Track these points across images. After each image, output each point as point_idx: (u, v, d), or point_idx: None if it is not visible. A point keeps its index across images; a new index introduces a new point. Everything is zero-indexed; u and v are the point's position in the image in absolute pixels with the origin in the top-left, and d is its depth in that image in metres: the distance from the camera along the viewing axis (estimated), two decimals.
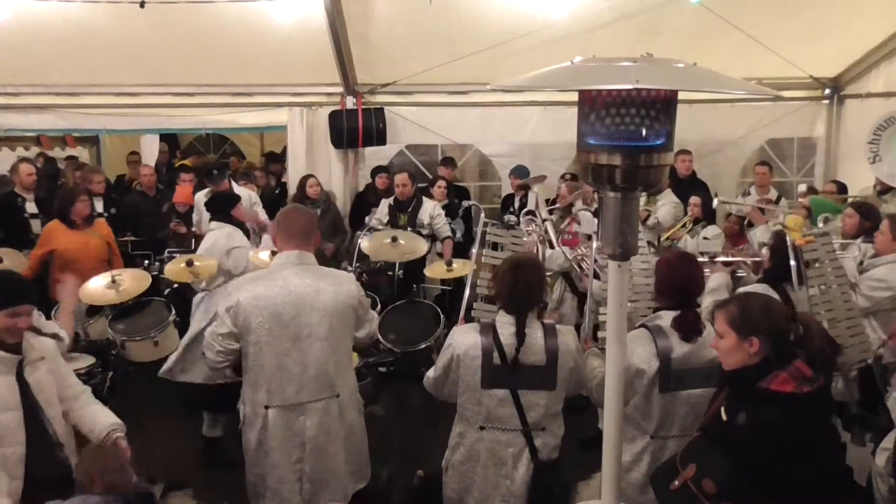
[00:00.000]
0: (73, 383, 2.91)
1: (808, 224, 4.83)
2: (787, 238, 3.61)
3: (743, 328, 2.20)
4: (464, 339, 2.82)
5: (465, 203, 6.37)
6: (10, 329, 2.62)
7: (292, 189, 7.33)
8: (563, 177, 6.99)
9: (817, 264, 3.57)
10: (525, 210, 5.19)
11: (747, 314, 2.22)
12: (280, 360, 2.95)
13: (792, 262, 3.53)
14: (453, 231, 6.63)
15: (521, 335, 2.74)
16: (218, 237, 4.63)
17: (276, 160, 9.46)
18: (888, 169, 6.20)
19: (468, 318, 3.65)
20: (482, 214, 4.35)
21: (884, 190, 6.27)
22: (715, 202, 5.90)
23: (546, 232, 4.98)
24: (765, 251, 4.08)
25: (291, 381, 2.97)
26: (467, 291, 4.05)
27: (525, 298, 2.80)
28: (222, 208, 4.82)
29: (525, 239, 4.84)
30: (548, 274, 5.01)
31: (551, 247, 4.90)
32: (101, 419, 2.85)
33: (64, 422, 2.79)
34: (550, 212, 5.45)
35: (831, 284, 3.55)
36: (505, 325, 2.79)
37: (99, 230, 5.50)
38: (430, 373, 2.98)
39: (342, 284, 3.10)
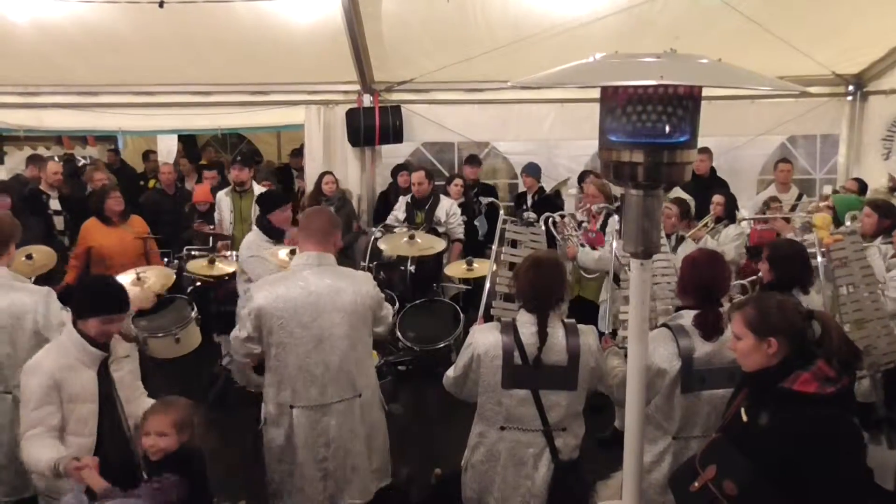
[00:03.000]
0: (139, 384, 3.05)
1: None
2: (814, 236, 3.54)
3: (761, 329, 2.17)
4: (484, 339, 2.80)
5: (485, 200, 6.33)
6: (103, 333, 2.77)
7: (309, 186, 7.37)
8: (584, 175, 6.96)
9: (845, 263, 3.50)
10: (560, 213, 5.13)
11: (765, 315, 2.19)
12: (302, 361, 2.97)
13: (820, 259, 3.46)
14: (476, 229, 6.61)
15: (543, 334, 2.72)
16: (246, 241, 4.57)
17: (298, 155, 9.61)
18: None
19: (487, 317, 3.64)
20: (501, 212, 4.32)
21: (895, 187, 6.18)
22: (739, 220, 5.79)
23: (583, 233, 4.96)
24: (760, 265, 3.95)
25: (315, 382, 2.99)
26: (486, 290, 4.03)
27: (546, 297, 2.77)
28: (263, 207, 4.62)
29: (572, 242, 4.81)
30: (594, 275, 4.98)
31: (592, 248, 4.87)
32: None
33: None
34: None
35: (859, 284, 3.48)
36: (526, 324, 2.77)
37: (133, 226, 5.58)
38: (450, 372, 2.96)
39: (360, 285, 3.11)
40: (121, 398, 2.84)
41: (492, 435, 2.85)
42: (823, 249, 3.49)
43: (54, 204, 6.23)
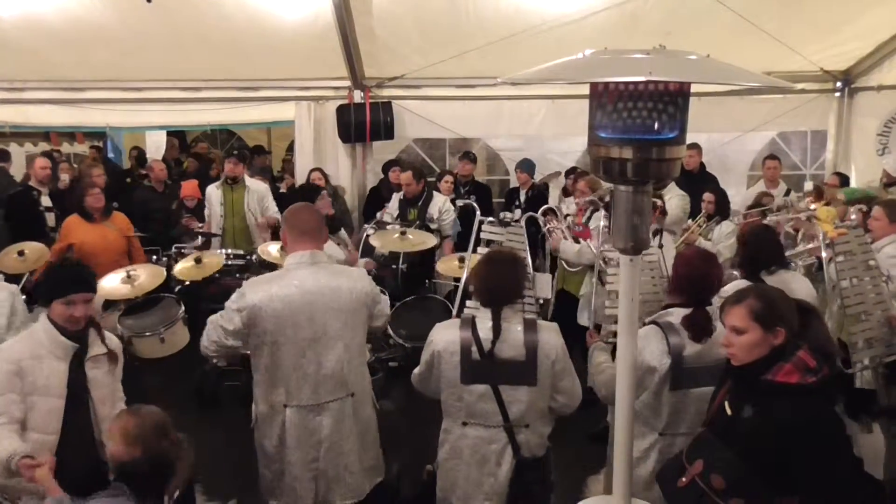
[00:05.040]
0: (118, 387, 2.94)
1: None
2: (818, 230, 3.56)
3: (769, 320, 2.14)
4: (443, 335, 2.81)
5: (459, 202, 6.28)
6: (67, 318, 2.67)
7: (300, 182, 7.35)
8: (570, 172, 6.97)
9: (850, 257, 3.52)
10: (545, 207, 5.13)
11: (773, 306, 2.17)
12: (297, 361, 2.94)
13: (824, 252, 3.47)
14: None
15: (496, 328, 2.71)
16: None
17: (261, 153, 9.69)
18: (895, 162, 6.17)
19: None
20: (478, 212, 4.31)
21: (890, 182, 6.22)
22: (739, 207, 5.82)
23: (568, 227, 4.96)
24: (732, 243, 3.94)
25: (307, 381, 2.97)
26: (461, 289, 4.03)
27: (499, 291, 2.77)
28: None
29: (556, 234, 4.81)
30: (577, 269, 4.98)
31: (576, 241, 4.86)
32: None
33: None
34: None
35: (863, 277, 3.50)
36: (483, 319, 2.77)
37: (116, 223, 5.53)
38: (416, 370, 2.97)
39: (356, 282, 3.08)
40: (94, 398, 2.72)
41: (455, 431, 2.85)
42: (828, 242, 3.51)
43: (45, 200, 6.18)
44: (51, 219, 6.09)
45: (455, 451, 2.86)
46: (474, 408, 2.79)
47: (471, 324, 2.77)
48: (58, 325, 2.68)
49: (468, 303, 3.62)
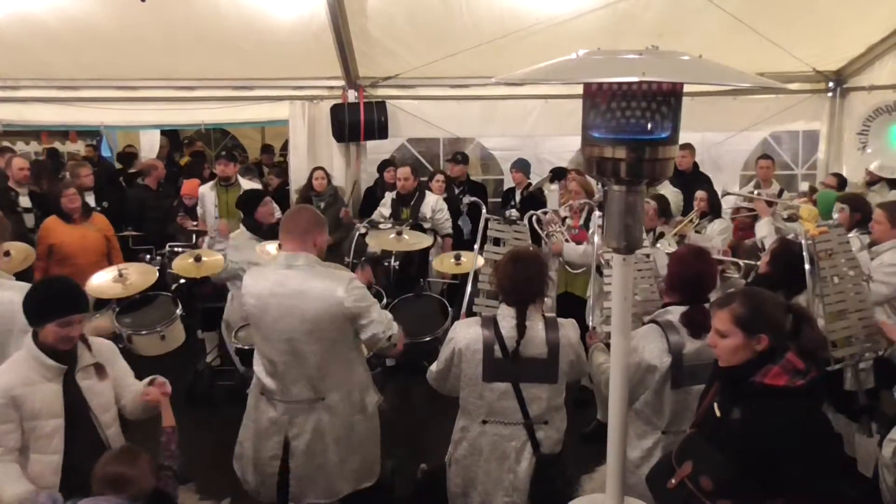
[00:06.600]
0: (130, 383, 2.90)
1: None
2: (800, 231, 3.57)
3: (751, 326, 2.15)
4: (465, 333, 2.82)
5: (467, 199, 6.31)
6: (63, 339, 2.60)
7: (294, 183, 7.34)
8: (560, 172, 6.98)
9: (831, 255, 3.54)
10: (543, 210, 5.14)
11: (757, 312, 2.17)
12: (270, 355, 3.02)
13: (805, 251, 3.48)
14: (461, 229, 6.59)
15: (521, 327, 2.74)
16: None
17: (268, 152, 9.72)
18: (875, 159, 6.21)
19: (470, 314, 3.65)
20: (483, 210, 4.32)
21: (872, 181, 6.26)
22: (720, 192, 5.86)
23: (568, 229, 4.98)
24: (763, 255, 4.00)
25: (279, 379, 3.04)
26: (469, 287, 4.03)
27: (525, 290, 2.79)
28: (246, 209, 4.91)
29: (557, 238, 4.84)
30: (580, 270, 5.01)
31: (577, 243, 4.89)
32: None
33: (118, 428, 2.81)
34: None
35: (844, 276, 3.52)
36: (506, 317, 2.78)
37: (96, 224, 5.48)
38: (433, 367, 2.98)
39: (333, 290, 2.91)
40: (94, 408, 2.68)
41: (474, 429, 2.87)
42: (809, 241, 3.52)
43: (24, 201, 6.07)
44: (29, 220, 5.97)
45: (474, 448, 2.88)
46: (495, 405, 2.81)
47: (493, 322, 2.79)
48: (45, 347, 2.59)
49: (476, 300, 3.64)
